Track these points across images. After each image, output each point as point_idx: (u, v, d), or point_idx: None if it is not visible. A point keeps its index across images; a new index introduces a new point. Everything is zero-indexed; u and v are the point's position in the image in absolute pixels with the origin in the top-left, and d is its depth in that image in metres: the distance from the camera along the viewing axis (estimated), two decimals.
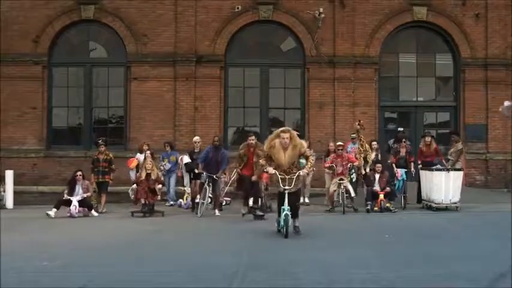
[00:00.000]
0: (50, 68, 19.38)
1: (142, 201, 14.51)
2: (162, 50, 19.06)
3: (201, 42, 19.10)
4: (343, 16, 19.16)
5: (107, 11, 19.17)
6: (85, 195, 14.95)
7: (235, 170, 14.45)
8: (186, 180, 16.29)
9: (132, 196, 15.19)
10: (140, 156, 16.58)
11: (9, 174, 17.15)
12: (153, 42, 19.12)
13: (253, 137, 13.61)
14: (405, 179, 15.67)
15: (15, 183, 17.40)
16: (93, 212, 15.03)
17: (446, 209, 14.57)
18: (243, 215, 13.52)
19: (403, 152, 15.98)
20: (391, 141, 16.73)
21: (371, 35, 19.25)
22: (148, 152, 15.86)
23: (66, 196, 14.85)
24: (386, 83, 19.76)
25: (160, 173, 15.40)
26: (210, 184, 14.21)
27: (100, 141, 16.15)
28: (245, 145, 13.67)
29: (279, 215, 10.65)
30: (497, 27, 19.38)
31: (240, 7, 19.11)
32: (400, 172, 15.61)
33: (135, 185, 15.08)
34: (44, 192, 18.34)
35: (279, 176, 10.40)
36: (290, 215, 10.30)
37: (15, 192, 17.30)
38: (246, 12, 19.20)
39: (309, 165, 10.84)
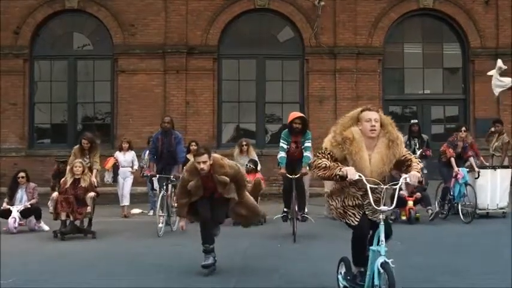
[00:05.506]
0: (31, 61, 18.28)
1: (63, 216, 10.87)
2: (151, 41, 18.02)
3: (193, 33, 18.06)
4: (344, 4, 18.18)
5: (92, 0, 18.10)
6: (28, 204, 12.01)
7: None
8: (156, 183, 13.24)
9: (51, 208, 11.30)
10: (119, 155, 14.79)
11: None
12: (141, 33, 18.08)
13: (204, 157, 7.26)
14: (467, 181, 12.32)
15: None
16: (43, 225, 12.02)
17: (487, 215, 12.57)
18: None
19: (460, 145, 12.59)
20: (404, 138, 14.60)
21: (374, 24, 18.27)
22: (85, 142, 11.87)
23: (5, 205, 12.04)
24: (391, 75, 18.79)
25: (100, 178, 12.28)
26: (169, 188, 11.19)
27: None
28: (192, 167, 7.45)
29: (356, 264, 5.90)
30: (509, 14, 18.32)
31: None
32: (462, 173, 12.27)
33: (55, 193, 11.33)
34: None
35: (368, 186, 5.58)
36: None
37: None
38: (241, 0, 18.16)
39: (416, 165, 5.81)
